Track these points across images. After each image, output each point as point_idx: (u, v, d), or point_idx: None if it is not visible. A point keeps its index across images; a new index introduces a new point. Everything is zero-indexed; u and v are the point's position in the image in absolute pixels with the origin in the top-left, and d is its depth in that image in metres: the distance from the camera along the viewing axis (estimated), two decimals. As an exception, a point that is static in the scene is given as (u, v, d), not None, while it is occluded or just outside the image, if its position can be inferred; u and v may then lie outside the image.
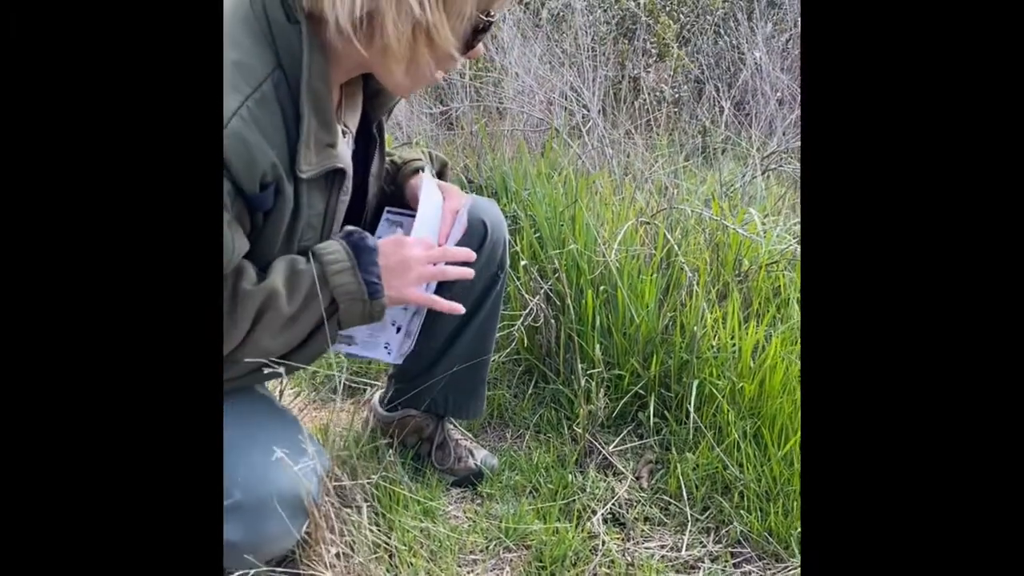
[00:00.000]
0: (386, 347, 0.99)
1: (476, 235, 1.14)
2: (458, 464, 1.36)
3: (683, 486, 1.29)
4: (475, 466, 1.35)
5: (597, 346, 1.51)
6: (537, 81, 2.59)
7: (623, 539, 1.21)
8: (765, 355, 1.41)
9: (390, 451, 1.26)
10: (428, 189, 0.99)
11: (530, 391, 1.57)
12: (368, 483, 1.04)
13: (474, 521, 1.23)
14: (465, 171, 2.17)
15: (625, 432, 1.44)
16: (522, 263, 1.58)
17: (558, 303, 1.61)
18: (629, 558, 1.15)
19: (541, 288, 1.61)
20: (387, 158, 1.10)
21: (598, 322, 1.54)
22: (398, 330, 1.01)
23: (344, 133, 0.96)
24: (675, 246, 1.67)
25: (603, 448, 1.40)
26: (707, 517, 1.25)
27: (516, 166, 2.12)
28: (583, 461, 1.39)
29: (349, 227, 0.92)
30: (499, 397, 1.57)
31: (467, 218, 1.06)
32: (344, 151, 0.93)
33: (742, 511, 1.23)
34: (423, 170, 1.04)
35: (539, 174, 1.94)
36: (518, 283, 1.64)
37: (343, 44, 0.81)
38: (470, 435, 1.44)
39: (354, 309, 0.85)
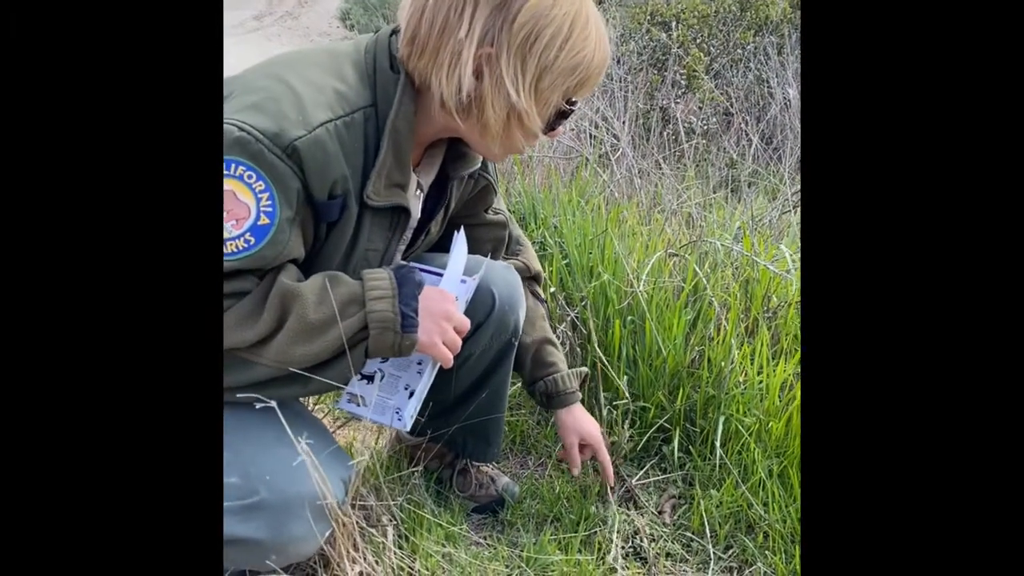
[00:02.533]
0: (396, 413, 0.97)
1: (483, 306, 1.14)
2: (479, 491, 1.36)
3: (706, 523, 1.28)
4: (496, 493, 1.35)
5: (624, 377, 1.51)
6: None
7: (644, 574, 1.20)
8: (792, 393, 1.40)
9: (414, 474, 1.26)
10: (460, 247, 1.01)
11: (553, 418, 1.56)
12: (394, 504, 1.04)
13: (495, 548, 1.22)
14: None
15: (648, 465, 1.44)
16: (550, 290, 1.59)
17: (584, 332, 1.61)
18: (650, 594, 1.14)
19: (568, 316, 1.61)
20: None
21: (624, 352, 1.54)
22: (411, 395, 0.99)
23: (418, 189, 1.00)
24: (703, 279, 1.67)
25: (626, 480, 1.39)
26: (730, 556, 1.23)
27: (546, 193, 2.13)
28: (605, 493, 1.38)
29: (401, 262, 0.94)
30: (522, 423, 1.57)
31: (475, 286, 1.07)
32: (413, 200, 0.98)
33: (767, 552, 1.21)
34: (458, 230, 1.05)
35: (569, 202, 1.95)
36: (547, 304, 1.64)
37: (442, 113, 0.89)
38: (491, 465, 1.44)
39: (385, 338, 0.86)
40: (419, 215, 1.04)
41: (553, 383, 1.24)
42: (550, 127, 0.95)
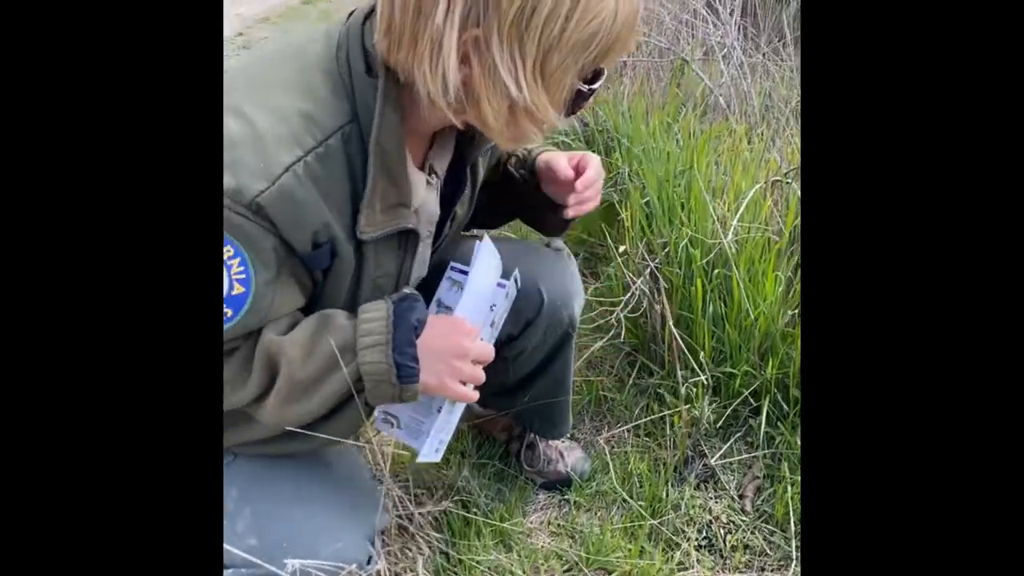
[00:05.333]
0: (428, 437, 0.87)
1: (531, 303, 1.03)
2: (547, 467, 1.30)
3: (791, 513, 1.15)
4: (564, 471, 1.28)
5: (707, 340, 1.36)
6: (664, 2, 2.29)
7: (718, 569, 1.11)
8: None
9: (464, 471, 1.21)
10: (483, 258, 0.87)
11: (630, 382, 1.45)
12: (437, 509, 1.00)
13: (557, 535, 1.17)
14: (580, 119, 1.99)
15: (733, 440, 1.31)
16: (621, 248, 1.43)
17: (666, 284, 1.45)
18: (720, 598, 1.05)
19: (647, 266, 1.46)
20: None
21: (710, 309, 1.38)
22: (436, 428, 0.88)
23: (432, 177, 0.88)
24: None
25: (706, 457, 1.28)
26: (816, 556, 1.11)
27: (635, 109, 1.91)
28: (682, 469, 1.28)
29: (407, 291, 0.83)
30: (600, 384, 1.48)
31: (515, 290, 0.94)
32: (427, 200, 0.87)
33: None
34: (480, 238, 0.91)
35: (655, 128, 1.73)
36: (623, 256, 1.49)
37: (436, 111, 0.75)
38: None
39: (382, 390, 0.77)
40: (437, 209, 0.92)
41: (518, 152, 1.03)
42: (572, 110, 0.78)
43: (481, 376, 0.85)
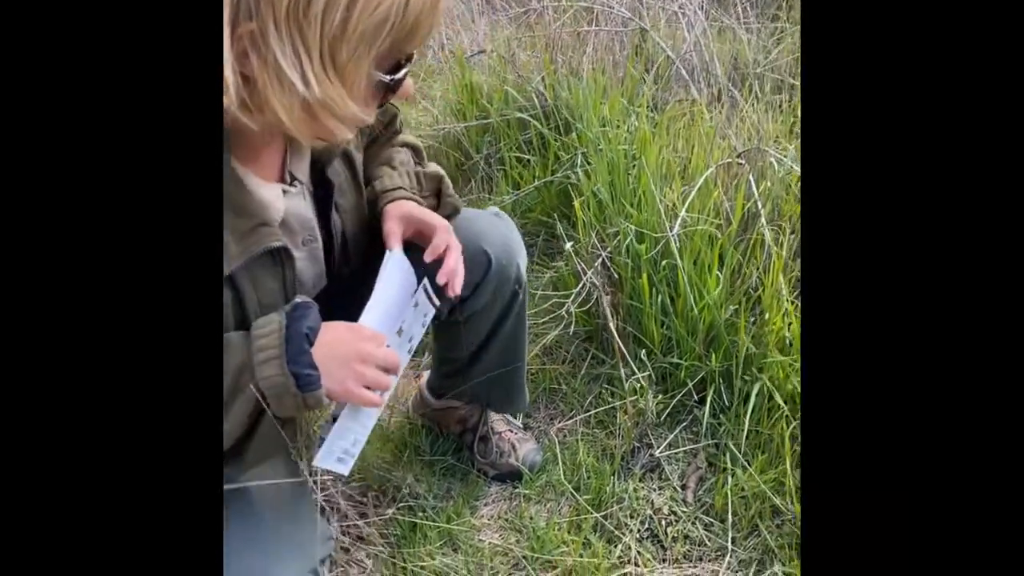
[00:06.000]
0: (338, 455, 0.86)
1: (478, 265, 1.05)
2: (500, 459, 1.34)
3: (730, 505, 1.20)
4: (516, 464, 1.32)
5: (656, 331, 1.39)
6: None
7: (658, 561, 1.16)
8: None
9: (410, 476, 1.24)
10: (390, 269, 0.88)
11: (583, 371, 1.48)
12: (381, 519, 1.04)
13: (505, 530, 1.21)
14: (539, 93, 1.97)
15: (679, 430, 1.34)
16: (568, 245, 1.44)
17: (617, 275, 1.47)
18: (657, 590, 1.10)
19: (599, 255, 1.47)
20: (368, 187, 1.00)
21: (659, 300, 1.39)
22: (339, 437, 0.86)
23: (293, 185, 0.87)
24: (758, 202, 1.45)
25: (652, 447, 1.32)
26: (750, 546, 1.16)
27: (593, 85, 1.88)
28: (629, 460, 1.32)
29: (298, 299, 0.83)
30: (553, 372, 1.50)
31: (428, 302, 0.95)
32: (294, 209, 0.86)
33: (785, 548, 1.13)
34: (390, 250, 0.91)
35: (612, 105, 1.71)
36: (574, 247, 1.50)
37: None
38: (518, 425, 1.40)
39: (285, 402, 0.77)
40: (310, 215, 0.90)
41: (379, 183, 0.99)
42: (380, 101, 0.75)
43: (387, 381, 0.84)
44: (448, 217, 1.00)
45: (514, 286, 1.12)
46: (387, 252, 0.90)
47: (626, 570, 1.13)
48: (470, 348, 1.18)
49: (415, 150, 1.06)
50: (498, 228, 1.10)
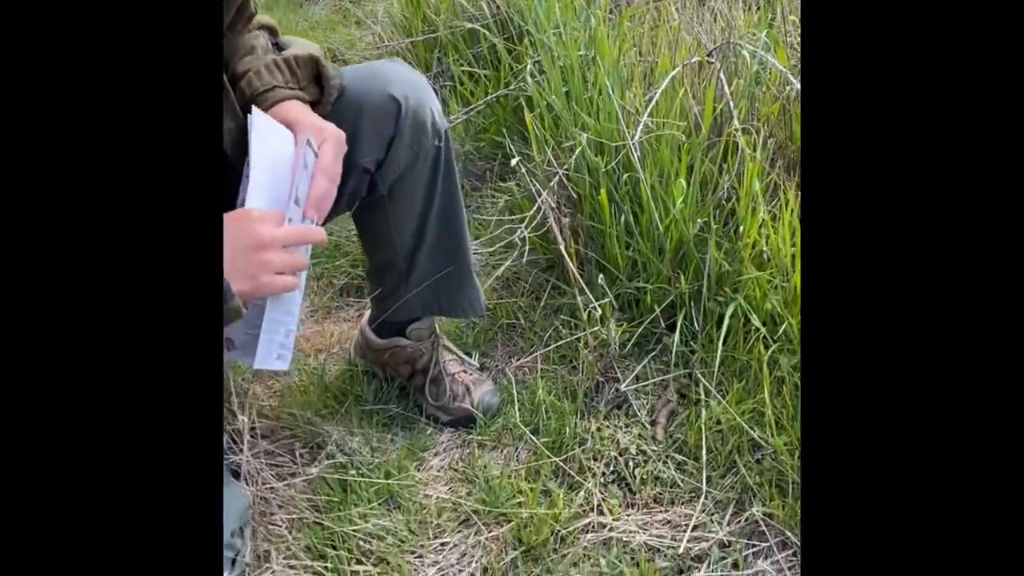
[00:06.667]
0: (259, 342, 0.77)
1: (387, 114, 0.94)
2: (453, 403, 1.21)
3: (704, 440, 1.07)
4: (470, 408, 1.19)
5: (620, 254, 1.24)
6: None
7: (625, 506, 1.04)
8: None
9: (338, 431, 1.10)
10: (258, 136, 0.74)
11: (542, 303, 1.34)
12: (303, 480, 0.91)
13: (457, 482, 1.09)
14: (489, 1, 1.77)
15: (648, 359, 1.21)
16: (513, 161, 1.28)
17: (575, 194, 1.31)
18: (623, 542, 0.98)
19: (556, 174, 1.31)
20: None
21: (622, 219, 1.24)
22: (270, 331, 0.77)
23: None
24: (730, 103, 1.29)
25: (619, 382, 1.18)
26: (727, 486, 1.04)
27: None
28: (593, 397, 1.19)
29: None
30: (511, 305, 1.36)
31: (313, 153, 0.81)
32: None
33: (766, 487, 1.00)
34: (252, 110, 0.77)
35: (566, 11, 1.52)
36: (519, 163, 1.34)
37: None
38: (473, 364, 1.27)
39: None
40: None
41: (249, 83, 0.86)
42: None
43: (300, 261, 0.76)
44: (337, 100, 0.89)
45: (433, 140, 0.99)
46: (248, 117, 0.75)
47: (588, 519, 1.01)
48: (403, 236, 1.06)
49: (271, 31, 0.91)
50: (401, 72, 0.99)
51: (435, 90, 1.04)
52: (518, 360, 1.29)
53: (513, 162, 1.24)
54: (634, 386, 1.18)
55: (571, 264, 1.18)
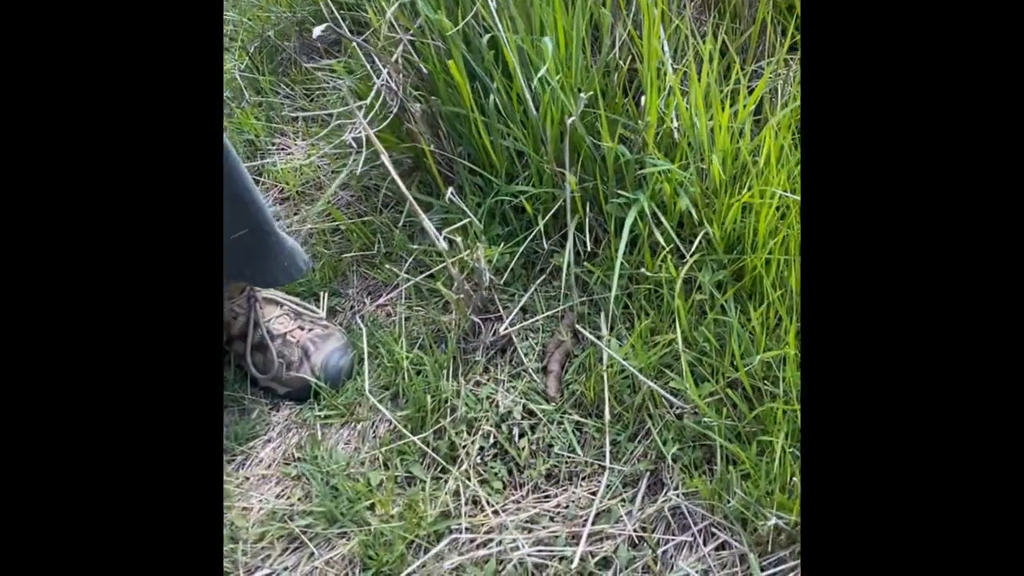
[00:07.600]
0: None
1: None
2: (286, 372, 0.93)
3: (606, 392, 0.81)
4: (311, 373, 0.91)
5: (486, 144, 0.92)
6: None
7: (511, 489, 0.79)
8: (759, 146, 0.78)
9: None
10: None
11: (402, 219, 1.03)
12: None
13: (289, 480, 0.83)
14: None
15: (535, 287, 0.92)
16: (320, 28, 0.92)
17: (426, 70, 0.97)
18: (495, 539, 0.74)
19: (399, 42, 0.96)
20: None
21: (491, 100, 0.91)
22: None
23: None
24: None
25: (501, 320, 0.90)
26: (640, 454, 0.78)
27: None
28: (466, 344, 0.91)
29: None
30: (368, 225, 1.05)
31: None
32: None
33: (684, 457, 0.75)
34: None
35: None
36: (361, 42, 0.99)
37: None
38: (317, 313, 0.97)
39: None
40: None
41: None
42: None
43: None
44: None
45: None
46: None
47: (455, 522, 0.75)
48: None
49: None
50: None
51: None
52: (377, 300, 1.00)
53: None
54: (518, 325, 0.90)
55: (432, 165, 0.87)
